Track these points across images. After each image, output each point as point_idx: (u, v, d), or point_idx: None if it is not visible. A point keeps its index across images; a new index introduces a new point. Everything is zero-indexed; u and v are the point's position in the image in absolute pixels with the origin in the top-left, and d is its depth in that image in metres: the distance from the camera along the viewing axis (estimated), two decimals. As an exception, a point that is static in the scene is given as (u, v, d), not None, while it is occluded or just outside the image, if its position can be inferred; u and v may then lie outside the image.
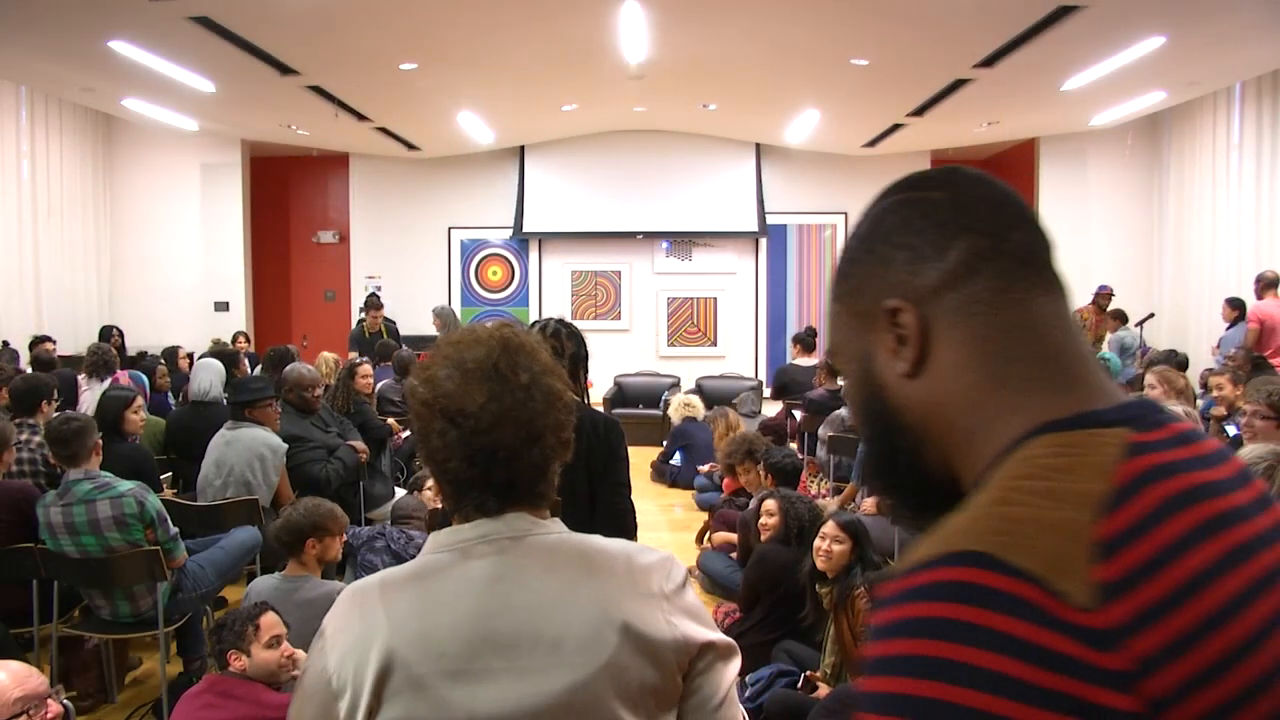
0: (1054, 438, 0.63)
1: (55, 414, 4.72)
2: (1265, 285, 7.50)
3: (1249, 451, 2.91)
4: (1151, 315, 9.36)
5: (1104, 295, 8.76)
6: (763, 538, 3.64)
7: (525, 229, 11.28)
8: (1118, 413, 0.64)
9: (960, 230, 0.69)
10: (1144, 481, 0.59)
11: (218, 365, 6.66)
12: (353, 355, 7.43)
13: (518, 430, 1.08)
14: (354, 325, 10.02)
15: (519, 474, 1.09)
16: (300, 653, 2.69)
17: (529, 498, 1.11)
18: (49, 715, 1.91)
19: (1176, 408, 3.58)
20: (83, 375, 6.18)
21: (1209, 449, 0.64)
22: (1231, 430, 4.42)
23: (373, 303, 9.29)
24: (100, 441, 3.56)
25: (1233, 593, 0.56)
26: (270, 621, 2.55)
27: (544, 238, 11.47)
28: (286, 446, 4.53)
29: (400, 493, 5.23)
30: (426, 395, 1.09)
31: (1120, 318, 8.61)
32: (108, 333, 8.70)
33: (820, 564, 3.46)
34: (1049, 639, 0.52)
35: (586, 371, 2.68)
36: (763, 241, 11.47)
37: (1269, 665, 0.55)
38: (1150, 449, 0.61)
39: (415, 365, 1.18)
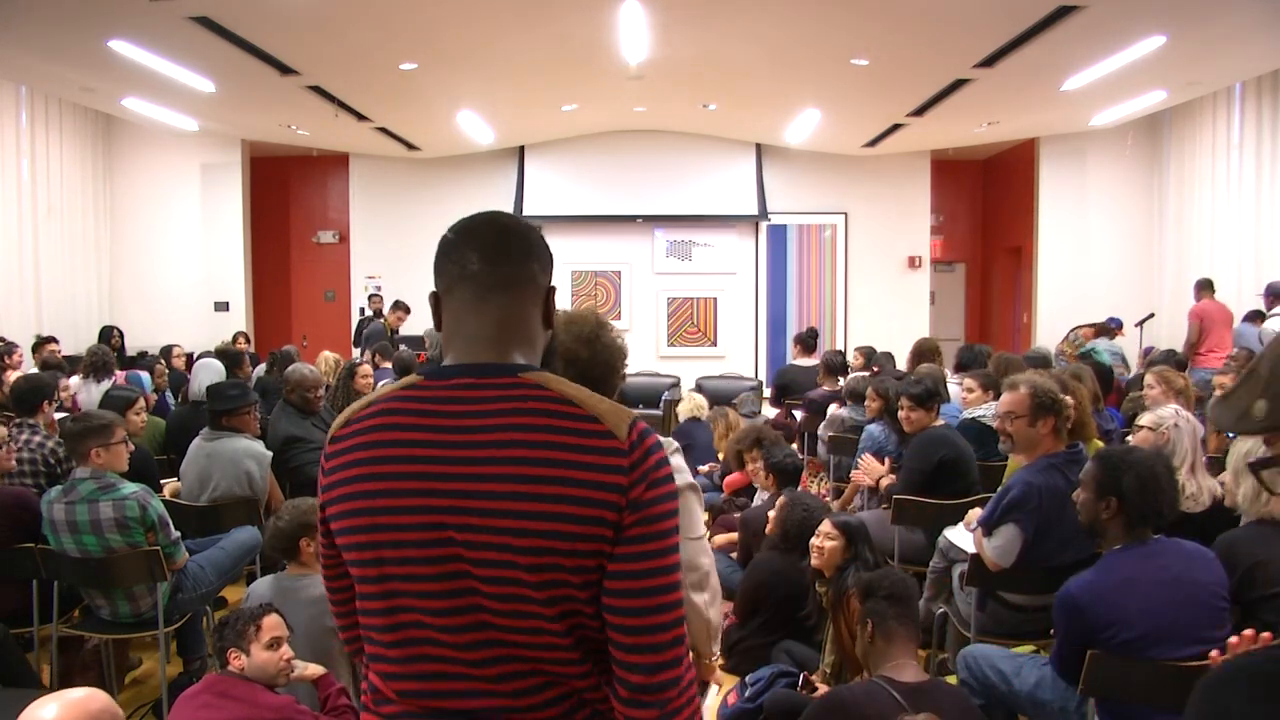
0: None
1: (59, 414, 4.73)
2: (1202, 288, 8.15)
3: (1159, 411, 3.26)
4: (1151, 315, 9.37)
5: (1101, 324, 8.64)
6: (814, 561, 3.58)
7: (524, 213, 11.29)
8: (438, 368, 1.23)
9: (448, 261, 1.24)
10: (375, 400, 1.24)
11: (218, 365, 6.67)
12: (355, 355, 7.43)
13: (605, 369, 1.90)
14: (366, 316, 10.13)
15: (605, 392, 1.66)
16: (302, 663, 2.69)
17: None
18: None
19: (1171, 408, 3.57)
20: (77, 377, 6.18)
21: (420, 415, 1.18)
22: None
23: (403, 305, 9.83)
24: (111, 444, 3.53)
25: (357, 466, 1.20)
26: (273, 623, 2.56)
27: (544, 222, 11.41)
28: (270, 454, 4.46)
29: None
30: (556, 348, 1.71)
31: (1104, 332, 8.46)
32: (108, 333, 8.70)
33: (814, 561, 3.46)
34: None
35: None
36: (763, 236, 11.47)
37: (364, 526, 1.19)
38: (410, 387, 1.22)
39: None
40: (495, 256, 1.22)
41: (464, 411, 1.17)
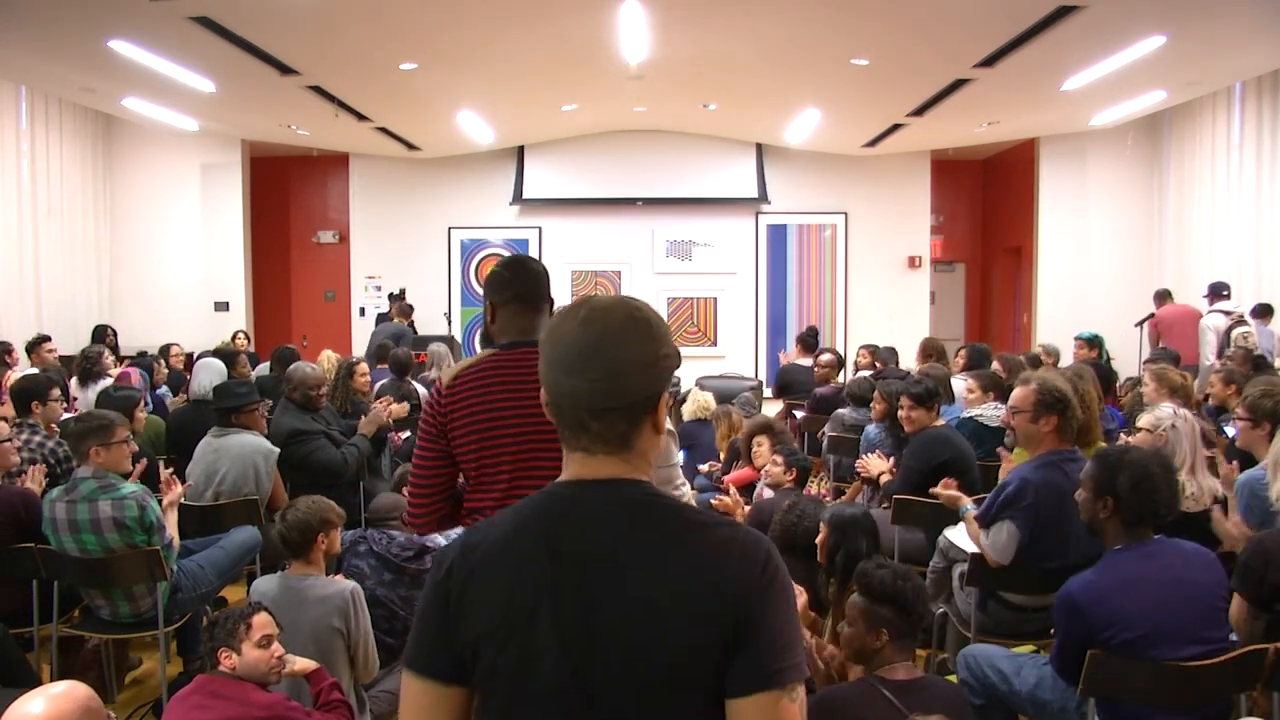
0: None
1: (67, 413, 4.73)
2: (1161, 297, 8.87)
3: (1157, 412, 3.39)
4: (1152, 315, 9.36)
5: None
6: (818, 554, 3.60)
7: (524, 197, 11.30)
8: (510, 342, 2.18)
9: (506, 286, 2.22)
10: (475, 363, 2.16)
11: (219, 365, 6.66)
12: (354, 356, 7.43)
13: None
14: (382, 314, 10.43)
15: None
16: (294, 658, 2.70)
17: None
18: None
19: (1169, 409, 3.56)
20: (75, 380, 6.19)
21: (505, 367, 2.13)
22: (1230, 431, 4.41)
23: (412, 308, 10.17)
24: (111, 444, 3.54)
25: (483, 393, 2.14)
26: (262, 621, 2.56)
27: (543, 220, 11.45)
28: (278, 451, 4.51)
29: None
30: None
31: (1093, 345, 8.34)
32: (101, 332, 8.68)
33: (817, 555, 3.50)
34: (435, 397, 2.18)
35: None
36: (763, 235, 11.46)
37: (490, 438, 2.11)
38: (495, 355, 2.16)
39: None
40: (534, 285, 2.23)
41: (529, 366, 1.85)
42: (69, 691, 1.80)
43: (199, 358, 7.35)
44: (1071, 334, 8.06)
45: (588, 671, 1.11)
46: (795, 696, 1.11)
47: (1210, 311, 7.92)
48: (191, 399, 6.43)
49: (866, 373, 6.82)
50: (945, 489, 3.72)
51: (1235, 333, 7.55)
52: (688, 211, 11.41)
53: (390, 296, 10.84)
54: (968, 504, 3.57)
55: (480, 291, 11.85)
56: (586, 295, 1.31)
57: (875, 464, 4.70)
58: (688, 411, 7.54)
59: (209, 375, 6.34)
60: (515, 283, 2.21)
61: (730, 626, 1.09)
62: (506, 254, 11.63)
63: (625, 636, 1.10)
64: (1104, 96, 8.35)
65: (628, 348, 1.19)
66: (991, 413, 4.75)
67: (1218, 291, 8.02)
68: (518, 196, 11.33)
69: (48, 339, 7.25)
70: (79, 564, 3.44)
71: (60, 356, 7.27)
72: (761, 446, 5.55)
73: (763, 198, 11.32)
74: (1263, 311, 7.76)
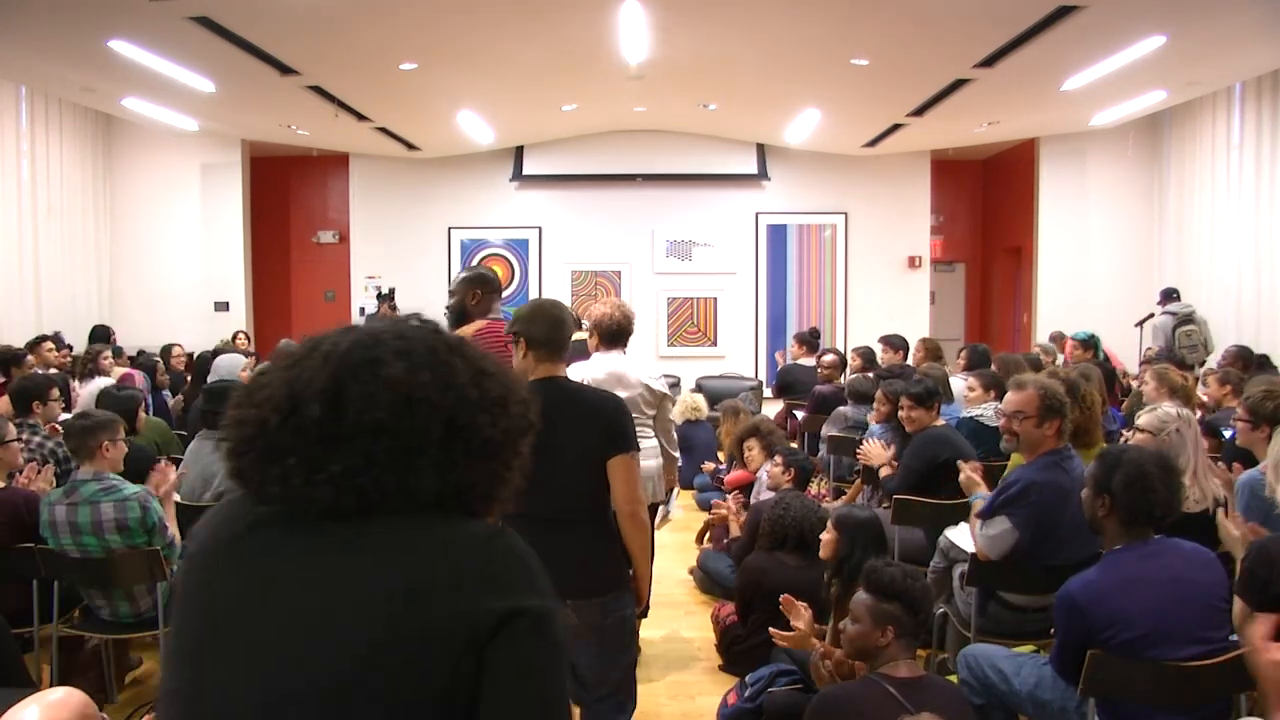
0: None
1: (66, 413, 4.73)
2: (1055, 339, 9.28)
3: (1159, 413, 3.40)
4: (1151, 315, 9.36)
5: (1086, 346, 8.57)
6: (822, 554, 3.61)
7: (525, 173, 11.31)
8: (493, 319, 3.92)
9: (494, 288, 4.04)
10: (485, 325, 3.74)
11: (241, 360, 6.64)
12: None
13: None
14: (373, 315, 10.35)
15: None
16: None
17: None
18: None
19: (1170, 410, 3.55)
20: (76, 380, 6.20)
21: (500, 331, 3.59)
22: (1227, 434, 4.41)
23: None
24: (118, 440, 3.54)
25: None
26: None
27: (544, 192, 11.46)
28: None
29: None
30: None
31: (1088, 346, 8.36)
32: (102, 332, 8.67)
33: (821, 554, 3.51)
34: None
35: None
36: (763, 234, 11.47)
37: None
38: (491, 325, 3.71)
39: None
40: (499, 288, 3.85)
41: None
42: (64, 699, 1.79)
43: (212, 355, 7.32)
44: (1071, 334, 8.08)
45: (555, 444, 2.17)
46: (630, 457, 2.63)
47: (1162, 314, 8.43)
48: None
49: (862, 374, 6.81)
50: (973, 471, 3.73)
51: (1179, 330, 8.16)
52: (688, 202, 11.38)
53: (379, 296, 10.83)
54: (982, 490, 3.57)
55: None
56: (541, 297, 2.69)
57: (875, 452, 4.70)
58: (678, 414, 7.52)
59: (229, 369, 6.32)
60: (496, 285, 3.85)
61: (606, 428, 2.62)
62: (507, 254, 11.68)
63: (569, 434, 2.53)
64: (1104, 96, 8.36)
65: (553, 315, 2.72)
66: (991, 413, 4.75)
67: (1168, 295, 8.59)
68: (517, 174, 11.32)
69: (48, 338, 7.25)
70: (79, 564, 3.44)
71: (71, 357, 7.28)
72: (753, 450, 5.57)
73: (763, 175, 11.30)
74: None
